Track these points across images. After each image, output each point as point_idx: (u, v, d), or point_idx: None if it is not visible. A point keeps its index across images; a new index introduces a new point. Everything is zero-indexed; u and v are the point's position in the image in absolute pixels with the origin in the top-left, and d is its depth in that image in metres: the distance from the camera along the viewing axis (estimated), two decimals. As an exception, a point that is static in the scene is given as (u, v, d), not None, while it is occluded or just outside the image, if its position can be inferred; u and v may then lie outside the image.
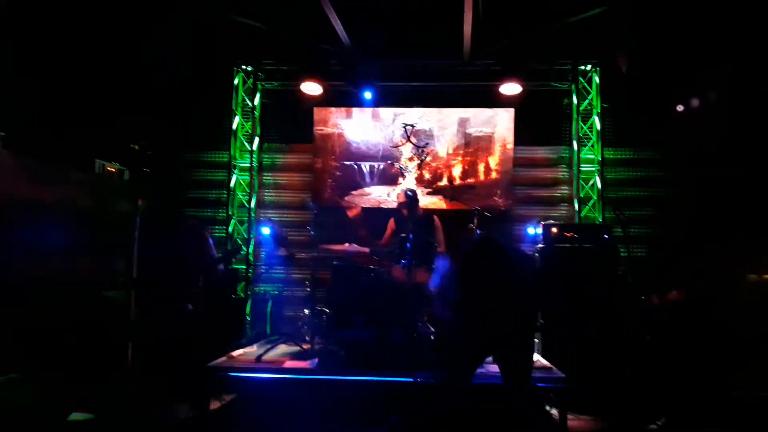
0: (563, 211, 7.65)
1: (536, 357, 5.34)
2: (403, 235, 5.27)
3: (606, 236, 5.96)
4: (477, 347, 3.48)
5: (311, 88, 7.14)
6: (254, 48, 7.59)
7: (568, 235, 5.97)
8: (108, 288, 4.50)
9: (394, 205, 7.15)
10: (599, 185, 7.36)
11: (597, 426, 4.76)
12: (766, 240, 5.73)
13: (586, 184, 7.44)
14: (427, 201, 7.41)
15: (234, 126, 7.82)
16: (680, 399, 4.18)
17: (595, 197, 7.40)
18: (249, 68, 7.88)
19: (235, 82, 7.85)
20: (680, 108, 6.83)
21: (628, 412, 4.63)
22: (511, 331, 3.38)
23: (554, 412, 4.72)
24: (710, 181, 6.89)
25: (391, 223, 6.08)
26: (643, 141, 7.47)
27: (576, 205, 7.41)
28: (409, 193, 5.89)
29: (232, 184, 7.78)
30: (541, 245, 6.09)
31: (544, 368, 4.96)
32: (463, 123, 7.62)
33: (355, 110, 7.75)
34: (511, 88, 7.00)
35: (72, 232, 5.21)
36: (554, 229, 6.04)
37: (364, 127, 7.75)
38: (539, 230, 6.27)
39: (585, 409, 4.99)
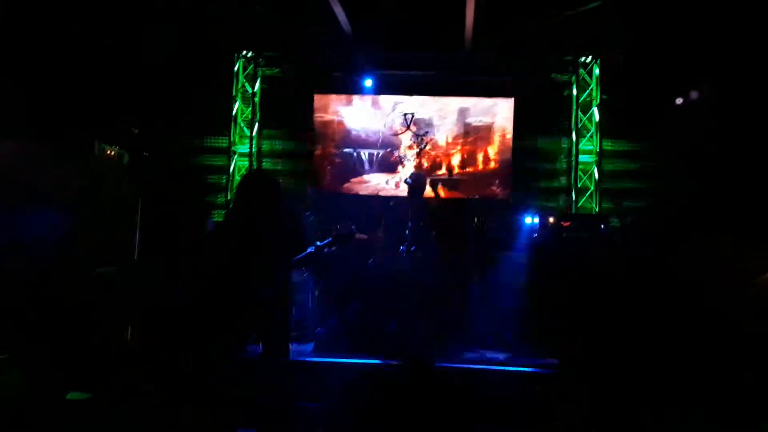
0: (561, 202, 7.69)
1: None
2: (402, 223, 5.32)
3: (602, 226, 6.03)
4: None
5: (312, 74, 7.14)
6: (255, 34, 7.57)
7: (565, 224, 6.03)
8: (107, 271, 4.55)
9: (393, 192, 7.20)
10: (597, 176, 7.40)
11: (589, 413, 4.82)
12: (757, 234, 5.78)
13: (584, 175, 7.48)
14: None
15: (234, 112, 7.83)
16: (672, 388, 4.23)
17: (592, 188, 7.45)
18: (250, 54, 7.86)
19: (236, 67, 7.84)
20: (679, 101, 6.84)
21: (621, 400, 4.69)
22: None
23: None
24: (707, 174, 6.91)
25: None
26: (642, 133, 7.49)
27: (573, 196, 7.46)
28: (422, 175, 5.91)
29: (231, 169, 7.81)
30: (537, 234, 6.15)
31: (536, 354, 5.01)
32: (462, 112, 7.64)
33: (355, 98, 7.76)
34: (511, 79, 7.01)
35: (72, 215, 5.25)
36: (551, 219, 6.10)
37: (364, 114, 7.76)
38: (536, 220, 6.32)
39: (577, 396, 5.05)
